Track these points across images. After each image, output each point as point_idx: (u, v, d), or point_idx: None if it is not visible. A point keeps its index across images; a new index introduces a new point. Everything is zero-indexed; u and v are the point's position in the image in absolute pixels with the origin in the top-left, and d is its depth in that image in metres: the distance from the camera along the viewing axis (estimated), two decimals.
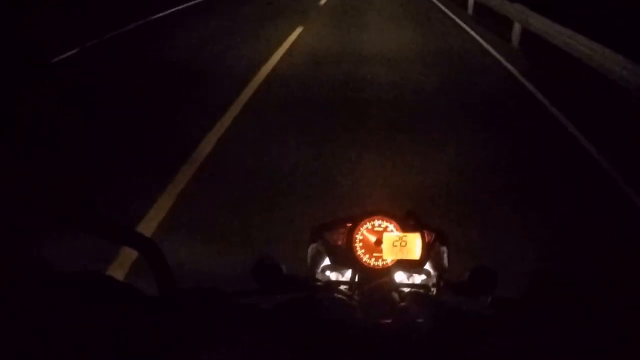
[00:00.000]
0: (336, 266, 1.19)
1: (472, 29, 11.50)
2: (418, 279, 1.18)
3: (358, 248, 1.16)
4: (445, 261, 1.16)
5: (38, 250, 0.86)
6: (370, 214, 1.17)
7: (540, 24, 9.11)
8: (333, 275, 1.20)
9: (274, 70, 7.67)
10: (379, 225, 1.17)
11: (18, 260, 0.83)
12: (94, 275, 0.89)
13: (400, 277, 1.18)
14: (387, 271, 1.13)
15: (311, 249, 1.19)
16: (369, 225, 1.17)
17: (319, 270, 1.20)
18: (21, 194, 0.86)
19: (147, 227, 3.57)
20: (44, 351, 0.73)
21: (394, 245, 1.13)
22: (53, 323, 0.76)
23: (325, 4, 14.03)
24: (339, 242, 1.19)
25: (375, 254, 1.15)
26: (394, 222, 1.15)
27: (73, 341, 0.75)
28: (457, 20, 12.68)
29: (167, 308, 0.89)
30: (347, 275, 1.19)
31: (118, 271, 3.02)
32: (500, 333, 0.88)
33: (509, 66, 8.49)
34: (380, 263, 1.14)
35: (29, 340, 0.74)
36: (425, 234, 1.14)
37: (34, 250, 0.86)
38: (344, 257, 1.17)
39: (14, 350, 0.72)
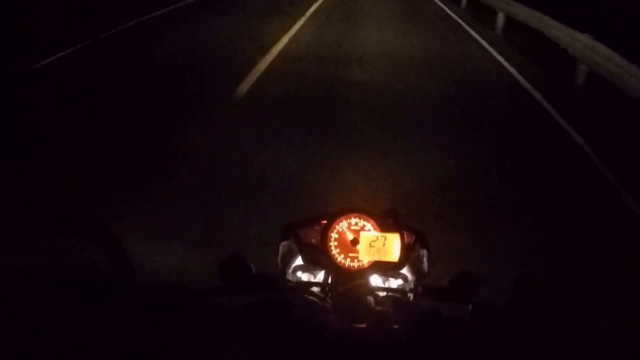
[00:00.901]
0: (309, 266, 1.13)
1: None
2: (395, 282, 1.13)
3: (333, 247, 1.10)
4: (425, 265, 1.10)
5: None
6: (347, 211, 1.11)
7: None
8: (305, 276, 1.14)
9: None
10: (356, 224, 1.11)
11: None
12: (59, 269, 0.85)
13: (376, 280, 1.13)
14: (363, 273, 1.07)
15: (282, 246, 1.13)
16: (345, 223, 1.11)
17: (290, 270, 1.14)
18: None
19: None
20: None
21: (371, 246, 1.07)
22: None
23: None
24: (313, 241, 1.13)
25: (350, 254, 1.09)
26: (372, 220, 1.10)
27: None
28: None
29: (129, 309, 0.84)
30: (320, 276, 1.13)
31: None
32: (481, 342, 0.84)
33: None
34: (355, 264, 1.08)
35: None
36: (405, 235, 1.08)
37: None
38: (318, 257, 1.11)
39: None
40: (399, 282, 1.12)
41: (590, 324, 0.84)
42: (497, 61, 9.22)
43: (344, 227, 1.11)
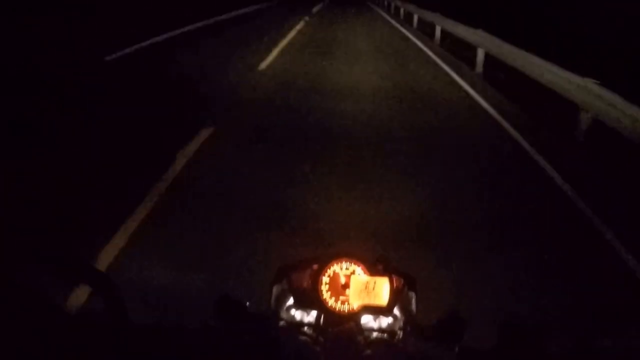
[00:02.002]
0: (301, 307, 1.16)
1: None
2: (385, 321, 1.15)
3: (324, 291, 1.13)
4: (414, 307, 1.14)
5: None
6: (337, 256, 1.14)
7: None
8: (298, 314, 1.17)
9: None
10: (347, 268, 1.14)
11: None
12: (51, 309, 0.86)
13: (367, 318, 1.15)
14: (353, 316, 1.10)
15: (275, 288, 1.15)
16: (336, 267, 1.14)
17: (284, 309, 1.16)
18: None
19: None
20: None
21: (361, 290, 1.10)
22: None
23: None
24: (304, 284, 1.16)
25: (341, 298, 1.12)
26: (361, 265, 1.13)
27: None
28: None
29: (121, 348, 0.85)
30: (313, 314, 1.16)
31: None
32: None
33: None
34: (346, 307, 1.11)
35: None
36: (394, 279, 1.12)
37: None
38: (309, 300, 1.13)
39: None
40: (389, 320, 1.15)
41: None
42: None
43: (335, 271, 1.14)
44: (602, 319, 2.98)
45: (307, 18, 19.46)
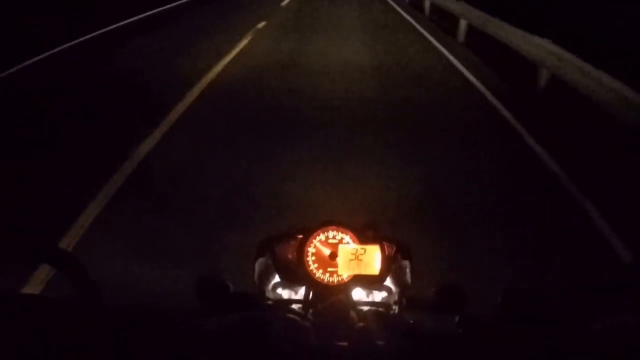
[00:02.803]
0: (288, 283, 1.09)
1: None
2: (378, 296, 1.09)
3: (310, 262, 1.06)
4: (408, 277, 1.07)
5: None
6: (323, 225, 1.07)
7: None
8: (285, 293, 1.10)
9: None
10: (334, 237, 1.07)
11: None
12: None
13: (358, 294, 1.09)
14: (344, 288, 1.03)
15: (259, 263, 1.08)
16: (322, 236, 1.07)
17: (269, 287, 1.09)
18: None
19: None
20: None
21: (350, 259, 1.03)
22: None
23: None
24: (289, 256, 1.08)
25: (329, 269, 1.05)
26: (350, 232, 1.06)
27: None
28: None
29: (97, 332, 0.79)
30: (301, 292, 1.09)
31: None
32: (469, 355, 0.80)
33: None
34: (335, 279, 1.04)
35: None
36: (385, 247, 1.05)
37: None
38: (295, 273, 1.06)
39: None
40: (383, 294, 1.08)
41: (577, 336, 0.81)
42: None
43: (322, 241, 1.07)
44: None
45: None
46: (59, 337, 0.77)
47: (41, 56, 8.13)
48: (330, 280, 1.04)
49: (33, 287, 2.93)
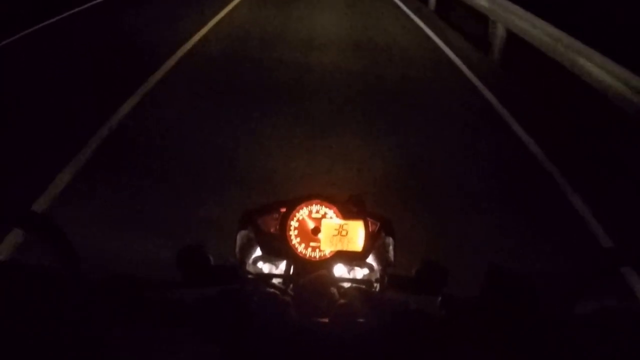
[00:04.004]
0: (269, 257, 1.08)
1: None
2: (360, 273, 1.08)
3: (293, 237, 1.04)
4: (391, 254, 1.06)
5: None
6: (307, 198, 1.05)
7: None
8: (266, 267, 1.08)
9: None
10: (317, 212, 1.05)
11: None
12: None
13: (340, 270, 1.08)
14: (326, 263, 1.02)
15: (240, 236, 1.06)
16: (305, 210, 1.05)
17: (250, 261, 1.08)
18: None
19: None
20: None
21: (333, 235, 1.02)
22: None
23: None
24: (272, 230, 1.07)
25: (312, 244, 1.04)
26: (334, 207, 1.05)
27: None
28: None
29: (76, 302, 0.79)
30: (282, 267, 1.08)
31: None
32: (450, 335, 0.80)
33: None
34: (317, 254, 1.03)
35: None
36: (370, 223, 1.03)
37: None
38: (277, 247, 1.05)
39: None
40: (365, 271, 1.08)
41: (562, 318, 0.81)
42: None
43: (305, 215, 1.05)
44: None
45: None
46: (33, 307, 0.76)
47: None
48: (313, 255, 1.03)
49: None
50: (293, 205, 1.05)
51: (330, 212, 1.05)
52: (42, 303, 0.77)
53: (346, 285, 0.96)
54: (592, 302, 0.83)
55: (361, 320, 0.80)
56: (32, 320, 0.74)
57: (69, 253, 0.84)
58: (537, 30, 6.95)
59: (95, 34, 7.97)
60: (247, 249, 1.08)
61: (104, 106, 5.12)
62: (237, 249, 1.06)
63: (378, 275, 1.02)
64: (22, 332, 0.73)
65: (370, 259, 1.06)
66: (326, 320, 0.80)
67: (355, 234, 1.01)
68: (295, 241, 1.04)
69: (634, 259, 0.92)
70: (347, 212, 1.03)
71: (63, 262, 0.83)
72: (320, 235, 1.03)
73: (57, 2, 8.97)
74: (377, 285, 0.99)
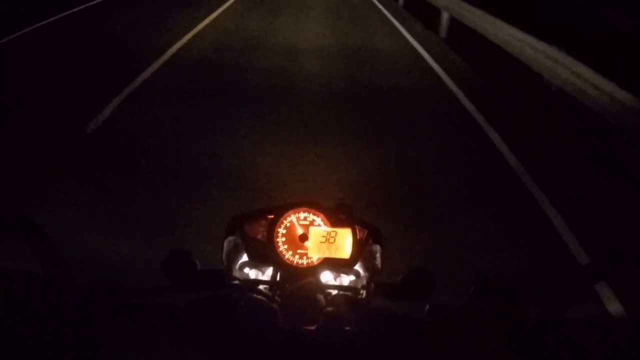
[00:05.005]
0: (256, 263, 1.07)
1: None
2: (347, 279, 1.08)
3: (280, 243, 1.04)
4: (378, 261, 1.06)
5: None
6: (295, 205, 1.05)
7: None
8: (252, 273, 1.08)
9: None
10: (305, 219, 1.05)
11: None
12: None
13: (327, 276, 1.07)
14: (313, 271, 1.02)
15: (227, 242, 1.06)
16: (293, 217, 1.05)
17: (237, 266, 1.07)
18: None
19: None
20: None
21: (321, 242, 1.01)
22: None
23: None
24: (259, 236, 1.06)
25: (299, 251, 1.03)
26: (322, 214, 1.04)
27: None
28: None
29: (61, 308, 0.79)
30: (269, 273, 1.07)
31: None
32: (438, 343, 0.80)
33: None
34: (305, 261, 1.03)
35: None
36: (357, 230, 1.03)
37: None
38: (264, 254, 1.05)
39: None
40: (351, 278, 1.07)
41: (548, 326, 0.82)
42: None
43: (292, 221, 1.05)
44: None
45: None
46: (18, 313, 0.75)
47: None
48: (300, 262, 1.03)
49: None
50: (281, 212, 1.05)
51: (318, 220, 1.04)
52: (26, 309, 0.76)
53: (333, 292, 0.96)
54: (579, 308, 0.84)
55: (348, 328, 0.80)
56: (15, 327, 0.73)
57: (54, 258, 0.83)
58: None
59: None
60: (234, 254, 1.07)
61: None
62: (224, 255, 1.05)
63: (365, 282, 1.02)
64: (22, 332, 0.72)
65: (358, 266, 1.06)
66: (313, 327, 0.80)
67: (343, 242, 1.01)
68: (282, 248, 1.04)
69: (609, 275, 0.94)
70: (334, 220, 1.03)
71: (47, 267, 0.82)
72: (307, 243, 1.02)
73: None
74: (363, 292, 1.00)
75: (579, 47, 6.14)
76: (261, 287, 0.99)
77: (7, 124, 4.54)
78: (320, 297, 0.88)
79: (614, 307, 2.49)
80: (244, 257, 1.07)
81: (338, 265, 1.03)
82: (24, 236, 0.82)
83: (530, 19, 8.40)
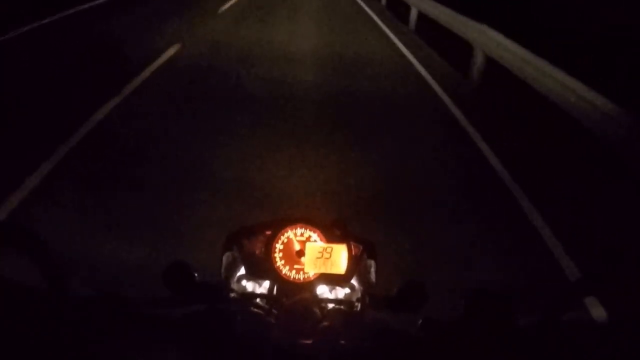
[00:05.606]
0: (253, 277, 1.10)
1: None
2: (341, 292, 1.10)
3: (278, 259, 1.06)
4: (373, 276, 1.08)
5: None
6: (292, 222, 1.08)
7: None
8: (249, 286, 1.10)
9: None
10: (302, 235, 1.07)
11: None
12: None
13: (322, 289, 1.10)
14: (309, 285, 1.04)
15: (226, 256, 1.08)
16: (290, 233, 1.07)
17: (235, 280, 1.10)
18: None
19: None
20: None
21: (317, 257, 1.04)
22: None
23: None
24: (257, 252, 1.09)
25: (296, 266, 1.06)
26: (318, 231, 1.07)
27: None
28: None
29: (60, 319, 0.79)
30: (265, 285, 1.10)
31: None
32: (432, 355, 0.82)
33: None
34: (301, 276, 1.05)
35: None
36: (352, 246, 1.06)
37: None
38: (262, 268, 1.07)
39: None
40: (346, 290, 1.10)
41: (542, 340, 0.83)
42: None
43: (290, 237, 1.07)
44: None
45: None
46: (17, 325, 0.76)
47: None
48: (297, 277, 1.05)
49: None
50: (278, 228, 1.07)
51: (315, 236, 1.07)
52: (25, 321, 0.77)
53: (329, 305, 0.98)
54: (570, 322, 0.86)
55: (343, 342, 0.82)
56: (13, 339, 0.74)
57: (54, 269, 0.83)
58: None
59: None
60: (232, 268, 1.09)
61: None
62: (222, 268, 1.08)
63: (359, 295, 1.05)
64: (22, 332, 0.73)
65: (353, 280, 1.08)
66: (309, 341, 0.81)
67: (339, 257, 1.04)
68: (280, 263, 1.06)
69: (598, 290, 0.96)
70: (330, 236, 1.05)
71: (47, 278, 0.83)
72: (304, 258, 1.05)
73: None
74: (358, 305, 1.02)
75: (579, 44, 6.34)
76: (258, 300, 1.01)
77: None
78: (316, 310, 0.90)
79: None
80: (242, 271, 1.09)
81: (334, 280, 1.05)
82: (24, 248, 0.83)
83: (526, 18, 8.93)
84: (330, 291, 1.10)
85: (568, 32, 8.80)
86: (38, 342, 0.73)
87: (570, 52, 6.17)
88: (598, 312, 2.30)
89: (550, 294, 0.90)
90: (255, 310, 0.92)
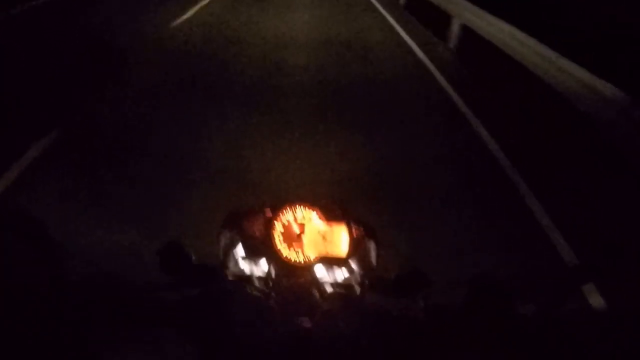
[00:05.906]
0: (251, 258, 1.08)
1: None
2: (341, 275, 1.09)
3: (277, 240, 1.05)
4: (373, 259, 1.07)
5: None
6: (292, 203, 1.06)
7: None
8: (247, 268, 1.09)
9: None
10: (302, 217, 1.06)
11: None
12: None
13: (321, 272, 1.08)
14: (309, 267, 1.03)
15: (224, 237, 1.07)
16: (290, 214, 1.06)
17: (232, 261, 1.08)
18: None
19: None
20: None
21: (317, 239, 1.02)
22: None
23: None
24: (256, 233, 1.07)
25: (295, 248, 1.04)
26: (318, 212, 1.05)
27: None
28: None
29: (60, 302, 0.78)
30: (264, 268, 1.08)
31: None
32: (431, 342, 0.81)
33: None
34: (301, 258, 1.04)
35: None
36: (353, 228, 1.04)
37: None
38: (261, 250, 1.05)
39: None
40: (346, 273, 1.08)
41: (543, 327, 0.83)
42: None
43: (289, 219, 1.06)
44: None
45: None
46: (17, 325, 0.75)
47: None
48: (296, 258, 1.04)
49: None
50: (277, 209, 1.05)
51: (314, 217, 1.05)
52: (21, 306, 0.76)
53: (328, 288, 0.97)
54: (572, 308, 0.85)
55: (343, 325, 0.81)
56: (32, 320, 0.73)
57: (49, 253, 0.82)
58: None
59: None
60: (231, 249, 1.08)
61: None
62: (220, 250, 1.06)
63: (359, 278, 1.03)
64: (22, 332, 0.72)
65: (352, 262, 1.07)
66: (309, 325, 0.80)
67: (339, 239, 1.02)
68: (279, 244, 1.04)
69: (595, 276, 0.95)
70: (330, 217, 1.04)
71: (41, 260, 0.82)
72: (303, 240, 1.03)
73: None
74: (358, 288, 1.00)
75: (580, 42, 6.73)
76: (257, 282, 0.99)
77: None
78: (316, 293, 0.89)
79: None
80: (240, 251, 1.08)
81: (333, 263, 1.04)
82: (22, 233, 0.82)
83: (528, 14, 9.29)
84: (330, 274, 1.09)
85: (569, 29, 8.81)
86: (38, 342, 0.72)
87: (572, 49, 6.18)
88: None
89: (549, 280, 0.89)
90: (254, 292, 0.90)
